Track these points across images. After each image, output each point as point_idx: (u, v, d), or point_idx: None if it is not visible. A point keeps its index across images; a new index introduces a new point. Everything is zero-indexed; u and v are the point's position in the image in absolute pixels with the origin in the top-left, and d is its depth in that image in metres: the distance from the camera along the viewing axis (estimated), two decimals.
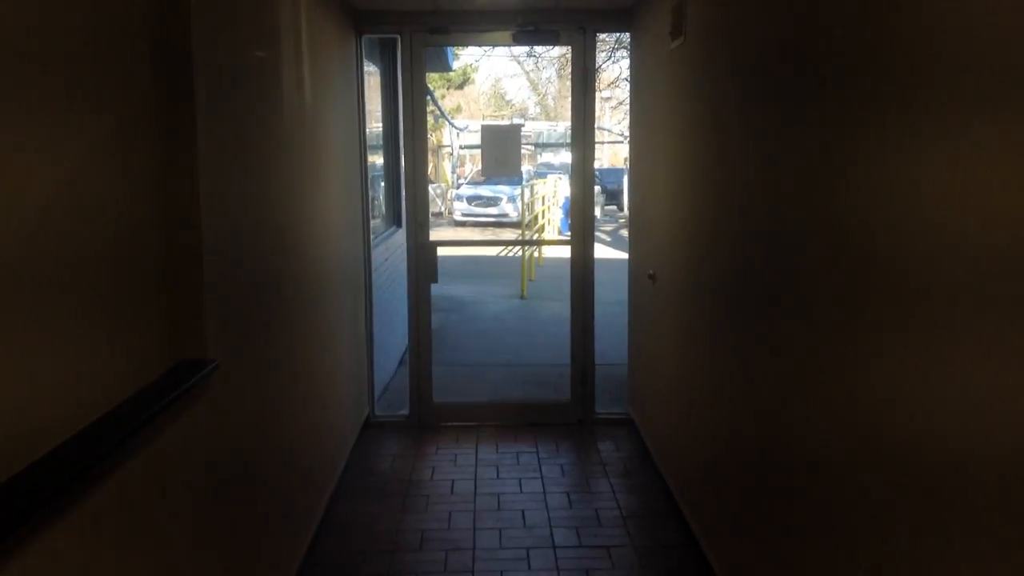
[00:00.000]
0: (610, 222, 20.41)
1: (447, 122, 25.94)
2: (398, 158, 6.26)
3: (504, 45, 5.60)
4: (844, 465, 1.97)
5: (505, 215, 18.84)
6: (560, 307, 8.77)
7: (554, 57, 26.25)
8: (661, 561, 3.34)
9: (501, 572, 3.26)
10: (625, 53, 14.27)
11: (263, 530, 2.77)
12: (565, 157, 22.69)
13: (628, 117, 5.17)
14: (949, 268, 1.51)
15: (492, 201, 19.12)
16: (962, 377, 1.47)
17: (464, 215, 19.21)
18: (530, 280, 10.88)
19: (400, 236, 6.33)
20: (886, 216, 1.74)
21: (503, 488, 4.09)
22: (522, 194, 13.93)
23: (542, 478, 4.21)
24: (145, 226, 1.95)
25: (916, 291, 1.62)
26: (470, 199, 19.47)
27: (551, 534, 3.59)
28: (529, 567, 3.30)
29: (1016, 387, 1.32)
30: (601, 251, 6.14)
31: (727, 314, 2.98)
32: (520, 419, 5.07)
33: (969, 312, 1.45)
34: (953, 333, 1.50)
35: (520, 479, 4.20)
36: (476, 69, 31.02)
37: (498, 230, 18.33)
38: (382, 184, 6.57)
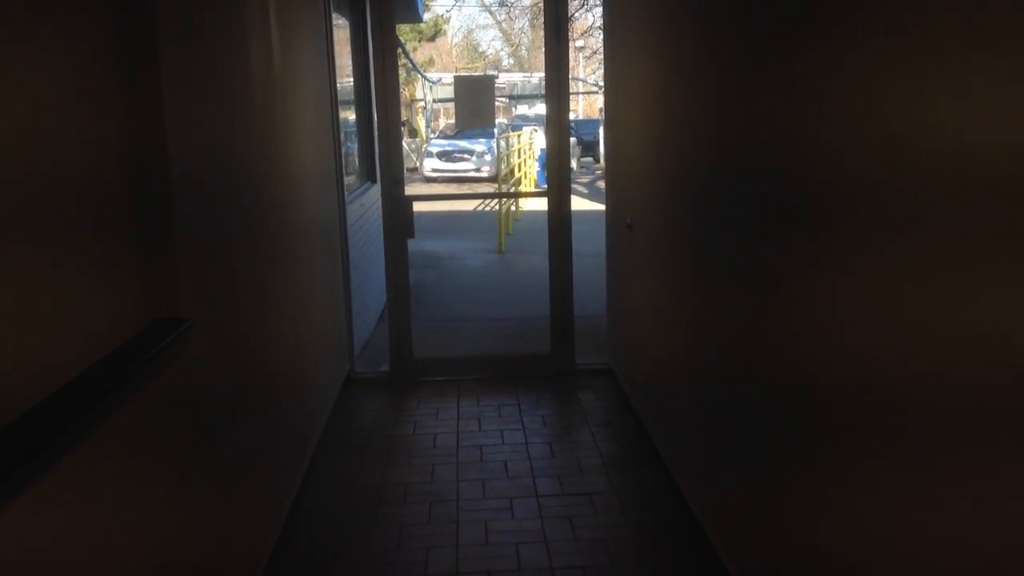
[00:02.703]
0: (587, 174, 20.33)
1: (420, 75, 25.55)
2: (371, 113, 6.17)
3: None
4: (821, 405, 2.00)
5: (478, 170, 18.22)
6: (538, 260, 8.76)
7: (526, 6, 25.85)
8: (643, 506, 3.40)
9: (485, 522, 3.31)
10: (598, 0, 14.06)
11: (247, 487, 2.78)
12: (540, 109, 22.44)
13: (603, 67, 5.11)
14: (924, 194, 1.52)
15: (464, 155, 18.37)
16: (944, 302, 1.49)
17: (435, 171, 18.37)
18: (508, 234, 10.85)
19: (375, 192, 6.27)
20: (861, 148, 1.74)
21: (485, 440, 4.13)
22: (497, 146, 13.73)
23: (524, 429, 4.25)
24: (113, 178, 1.91)
25: (889, 221, 1.63)
26: (441, 154, 18.66)
27: (534, 483, 3.64)
28: (512, 516, 3.35)
29: (998, 311, 1.34)
30: (578, 203, 6.11)
31: (703, 260, 3.00)
32: (501, 372, 5.10)
33: (945, 236, 1.47)
34: (927, 260, 1.51)
35: (502, 431, 4.24)
36: (447, 20, 30.50)
37: (475, 184, 18.06)
38: (355, 140, 6.48)
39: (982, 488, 1.38)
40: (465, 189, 17.29)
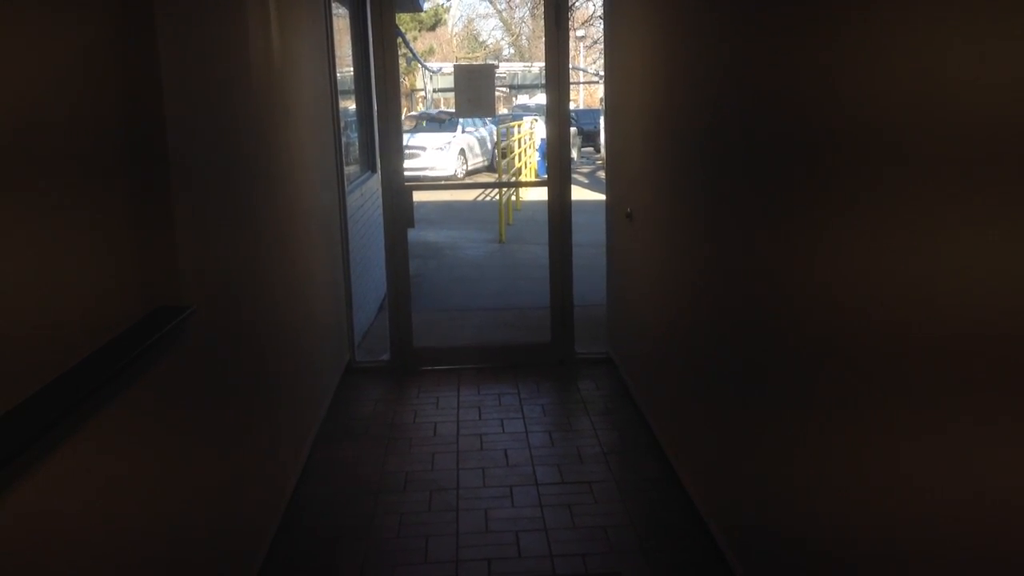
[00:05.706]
0: (587, 164, 20.29)
1: (420, 65, 25.48)
2: (371, 102, 6.15)
3: None
4: (823, 392, 2.01)
5: (431, 168, 16.10)
6: (539, 250, 8.76)
7: None
8: (642, 494, 3.42)
9: (485, 510, 3.32)
10: None
11: (246, 475, 2.79)
12: (541, 99, 22.35)
13: (603, 56, 5.10)
14: (905, 153, 1.52)
15: (416, 151, 16.30)
16: (938, 254, 1.49)
17: None
18: (508, 224, 10.85)
19: (375, 181, 6.26)
20: (859, 123, 1.75)
21: (485, 429, 4.14)
22: (498, 137, 13.55)
23: (524, 418, 4.26)
24: (113, 160, 1.91)
25: (884, 190, 1.64)
26: None
27: (534, 472, 3.65)
28: (512, 504, 3.37)
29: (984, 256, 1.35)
30: (578, 193, 6.10)
31: (702, 250, 3.00)
32: (501, 361, 5.11)
33: (935, 189, 1.47)
34: (920, 220, 1.52)
35: (502, 420, 4.25)
36: (448, 9, 30.42)
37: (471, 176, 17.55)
38: (355, 129, 6.47)
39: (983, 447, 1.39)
40: (468, 178, 16.96)
